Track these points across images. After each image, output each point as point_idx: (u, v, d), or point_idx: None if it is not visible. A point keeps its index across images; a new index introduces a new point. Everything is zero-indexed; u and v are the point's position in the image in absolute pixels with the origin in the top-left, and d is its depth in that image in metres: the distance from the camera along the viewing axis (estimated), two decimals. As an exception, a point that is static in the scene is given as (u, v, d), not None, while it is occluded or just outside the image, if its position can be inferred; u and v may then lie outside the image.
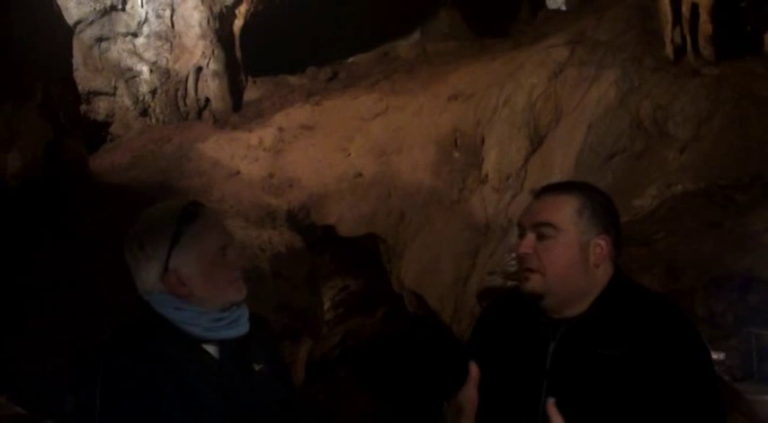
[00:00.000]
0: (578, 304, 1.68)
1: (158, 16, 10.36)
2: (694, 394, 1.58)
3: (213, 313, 1.66)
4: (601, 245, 1.67)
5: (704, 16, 8.37)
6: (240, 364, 1.68)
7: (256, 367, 1.70)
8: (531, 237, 1.69)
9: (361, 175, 9.38)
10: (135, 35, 10.36)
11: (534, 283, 1.67)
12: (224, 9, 10.57)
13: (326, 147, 9.64)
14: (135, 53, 10.36)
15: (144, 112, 10.48)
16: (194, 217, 1.65)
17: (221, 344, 1.67)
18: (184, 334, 1.64)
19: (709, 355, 1.68)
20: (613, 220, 1.71)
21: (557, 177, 8.14)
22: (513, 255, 1.77)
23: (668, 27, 8.57)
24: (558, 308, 1.68)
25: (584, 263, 1.66)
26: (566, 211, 1.67)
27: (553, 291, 1.67)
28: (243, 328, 1.69)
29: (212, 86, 10.48)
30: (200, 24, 10.34)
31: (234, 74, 10.71)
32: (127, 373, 1.57)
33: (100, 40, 10.26)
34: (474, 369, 1.61)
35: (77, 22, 9.94)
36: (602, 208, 1.69)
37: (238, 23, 10.87)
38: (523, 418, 1.62)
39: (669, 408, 1.57)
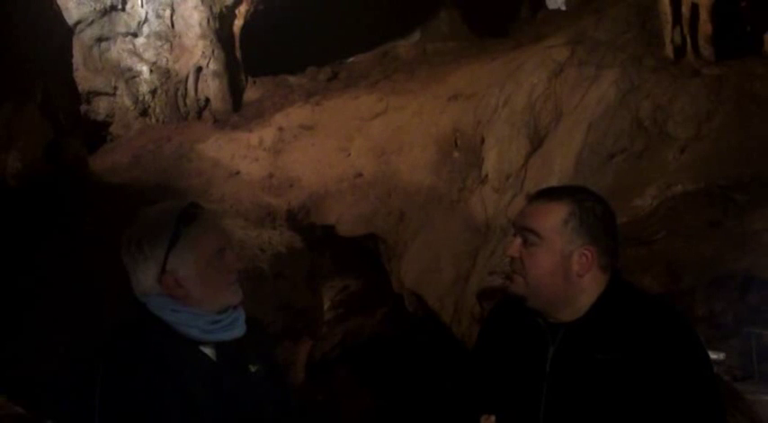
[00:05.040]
0: (568, 309, 1.69)
1: (158, 16, 10.35)
2: (693, 397, 1.59)
3: (210, 315, 1.67)
4: (586, 255, 1.68)
5: (704, 16, 8.37)
6: (237, 366, 1.70)
7: (252, 369, 1.72)
8: (518, 241, 1.72)
9: (361, 174, 9.38)
10: (135, 35, 10.36)
11: (517, 285, 1.71)
12: (224, 9, 10.57)
13: (326, 147, 9.64)
14: (135, 53, 10.36)
15: (144, 112, 10.47)
16: (192, 219, 1.66)
17: (218, 346, 1.69)
18: (182, 336, 1.65)
19: (708, 357, 1.69)
20: (606, 228, 1.71)
21: (556, 177, 8.14)
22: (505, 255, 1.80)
23: (668, 27, 8.58)
24: (546, 311, 1.70)
25: (565, 272, 1.68)
26: (551, 221, 1.69)
27: (534, 295, 1.70)
28: (240, 330, 1.71)
29: (212, 86, 10.48)
30: (200, 24, 10.34)
31: (234, 74, 10.71)
32: (126, 374, 1.58)
33: (100, 40, 10.25)
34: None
35: (77, 22, 9.93)
36: (592, 217, 1.69)
37: (238, 23, 10.87)
38: (524, 421, 1.63)
39: (668, 411, 1.57)
